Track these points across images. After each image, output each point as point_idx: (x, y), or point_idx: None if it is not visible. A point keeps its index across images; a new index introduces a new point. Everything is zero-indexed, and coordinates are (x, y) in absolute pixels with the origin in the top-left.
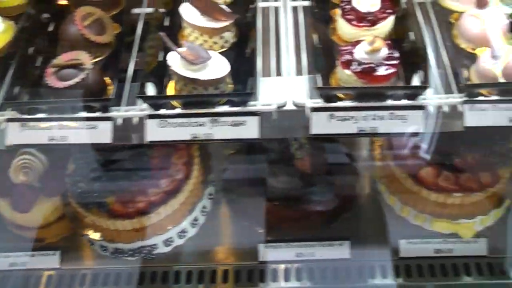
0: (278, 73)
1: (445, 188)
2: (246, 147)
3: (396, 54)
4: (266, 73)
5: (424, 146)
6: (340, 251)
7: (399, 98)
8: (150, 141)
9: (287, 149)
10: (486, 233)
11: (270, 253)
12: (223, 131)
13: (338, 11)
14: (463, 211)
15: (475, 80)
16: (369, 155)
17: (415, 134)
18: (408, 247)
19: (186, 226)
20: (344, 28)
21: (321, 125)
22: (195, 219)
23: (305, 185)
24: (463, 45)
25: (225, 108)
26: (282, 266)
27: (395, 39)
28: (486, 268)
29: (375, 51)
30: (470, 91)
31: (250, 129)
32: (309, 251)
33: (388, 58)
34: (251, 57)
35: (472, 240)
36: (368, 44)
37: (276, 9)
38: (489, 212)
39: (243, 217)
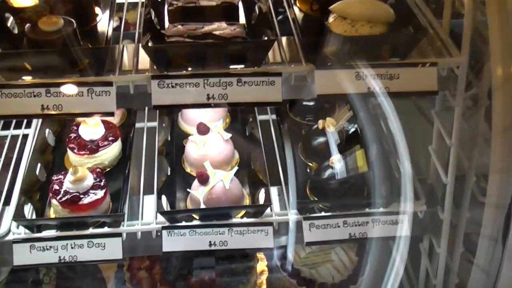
0: None
1: None
2: None
3: (103, 183)
4: None
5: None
6: None
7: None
8: None
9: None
10: None
11: None
12: None
13: None
14: None
15: (189, 206)
16: None
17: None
18: None
19: None
20: (70, 157)
21: (23, 256)
22: None
23: None
24: (188, 169)
25: None
26: None
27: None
28: None
29: (77, 180)
30: (169, 217)
31: None
32: None
33: (95, 186)
34: None
35: None
36: (71, 174)
37: None
38: None
39: None
